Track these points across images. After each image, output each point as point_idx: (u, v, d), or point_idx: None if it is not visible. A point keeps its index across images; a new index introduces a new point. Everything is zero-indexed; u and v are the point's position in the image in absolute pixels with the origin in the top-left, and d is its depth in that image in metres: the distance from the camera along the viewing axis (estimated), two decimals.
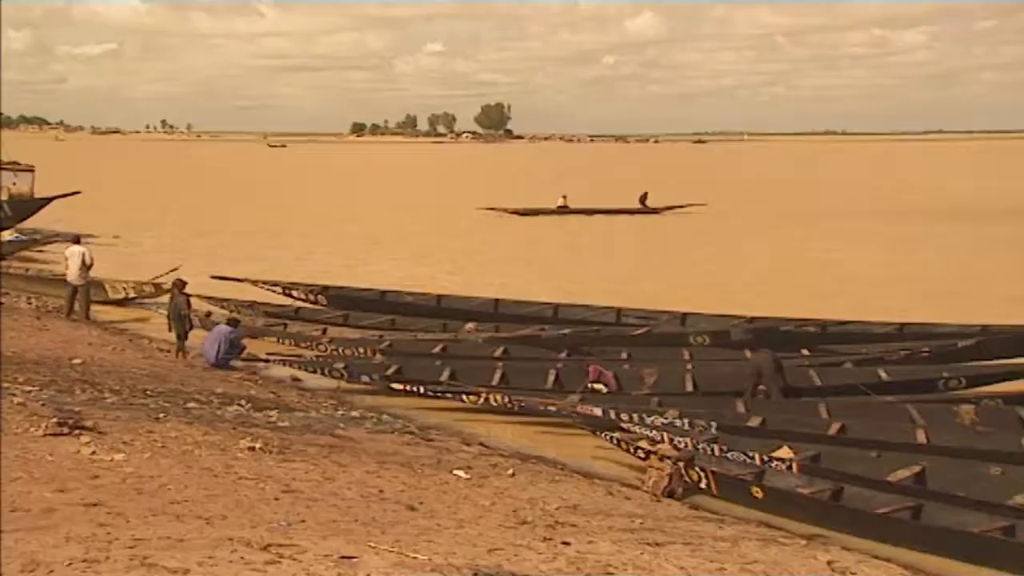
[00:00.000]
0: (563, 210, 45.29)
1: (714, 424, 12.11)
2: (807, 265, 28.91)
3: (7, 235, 30.94)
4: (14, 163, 34.78)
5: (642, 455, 11.31)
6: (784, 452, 11.10)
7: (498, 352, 16.14)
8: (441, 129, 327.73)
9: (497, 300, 20.27)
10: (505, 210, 44.40)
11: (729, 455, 11.18)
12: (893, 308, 19.07)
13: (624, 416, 12.37)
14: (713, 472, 10.71)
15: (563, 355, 16.06)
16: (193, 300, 20.31)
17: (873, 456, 11.04)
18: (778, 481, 10.61)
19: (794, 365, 14.49)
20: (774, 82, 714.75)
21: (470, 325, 18.17)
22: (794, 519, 9.94)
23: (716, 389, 14.16)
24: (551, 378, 14.91)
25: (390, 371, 15.01)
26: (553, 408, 13.20)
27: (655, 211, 45.77)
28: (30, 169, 34.88)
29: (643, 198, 46.68)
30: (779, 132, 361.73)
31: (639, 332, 17.12)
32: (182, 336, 16.40)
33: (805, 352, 15.61)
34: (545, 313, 19.46)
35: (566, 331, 17.24)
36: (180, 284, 16.94)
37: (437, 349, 16.36)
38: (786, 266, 28.80)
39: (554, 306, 19.75)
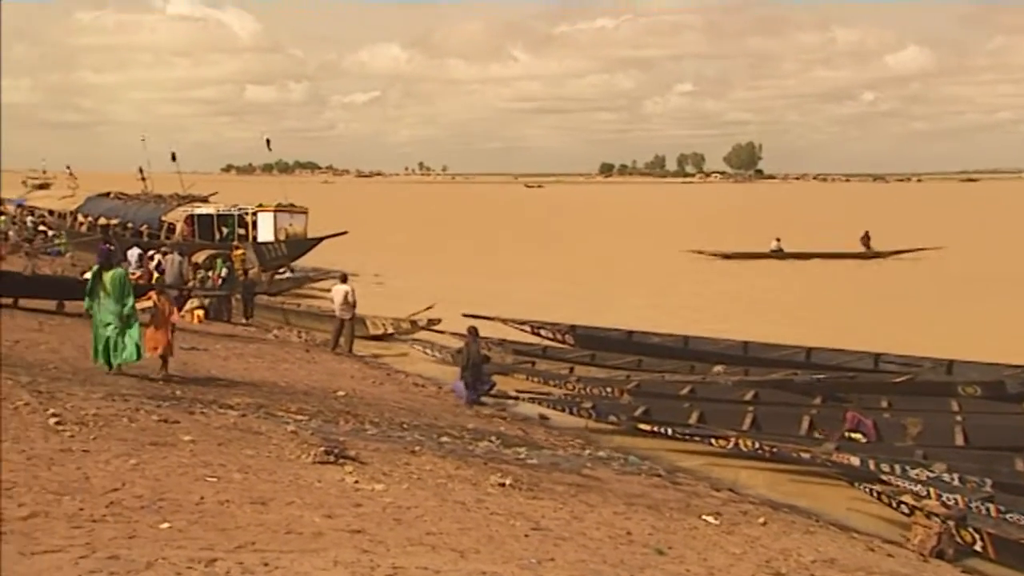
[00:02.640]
0: (777, 253, 43.62)
1: (989, 481, 11.16)
2: None
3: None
4: (290, 205, 37.55)
5: (906, 510, 10.58)
6: None
7: (748, 396, 15.69)
8: (689, 169, 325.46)
9: (746, 343, 19.73)
10: (713, 253, 43.31)
11: (1008, 516, 10.25)
12: None
13: (885, 468, 11.64)
14: (990, 534, 9.85)
15: (817, 401, 15.38)
16: (444, 337, 21.23)
17: None
18: None
19: None
20: None
21: (718, 367, 17.77)
22: None
23: (990, 444, 13.05)
24: (804, 424, 14.31)
25: (638, 412, 14.91)
26: (807, 456, 12.63)
27: (879, 255, 43.24)
28: (304, 211, 37.53)
29: (865, 238, 44.30)
30: None
31: (901, 379, 16.11)
32: (473, 384, 16.08)
33: None
34: (797, 357, 18.74)
35: (820, 376, 16.52)
36: (474, 332, 16.85)
37: (685, 391, 16.10)
38: None
39: (806, 350, 18.99)
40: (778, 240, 44.39)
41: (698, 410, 14.85)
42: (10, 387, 9.92)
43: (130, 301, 12.60)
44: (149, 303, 13.37)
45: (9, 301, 18.18)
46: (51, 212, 46.18)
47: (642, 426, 14.33)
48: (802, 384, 16.19)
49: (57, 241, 38.34)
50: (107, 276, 12.68)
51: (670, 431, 13.96)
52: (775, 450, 12.94)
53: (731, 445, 13.31)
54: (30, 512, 5.83)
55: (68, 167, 62.93)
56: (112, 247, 27.31)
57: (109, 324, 12.48)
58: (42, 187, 71.41)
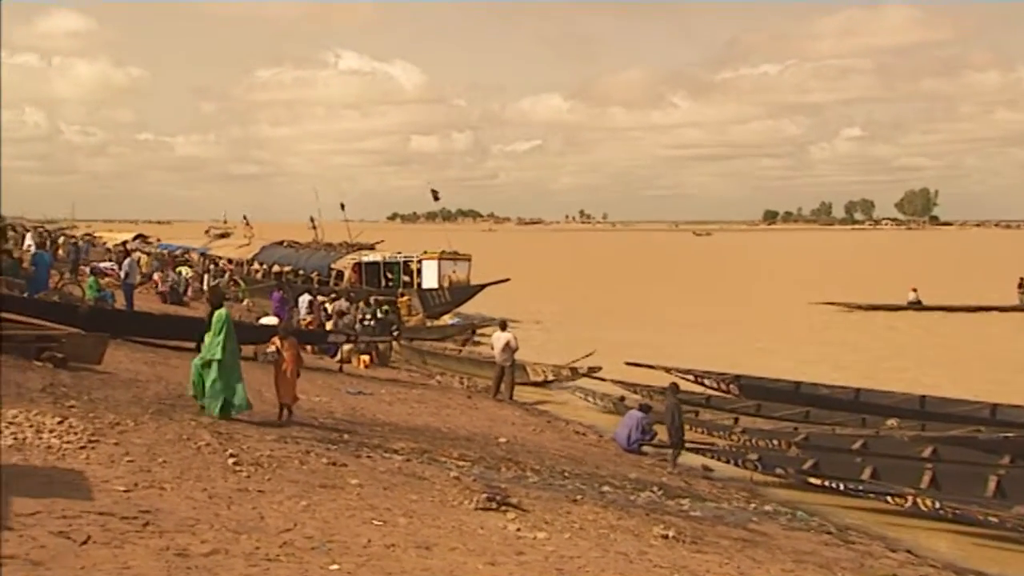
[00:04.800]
0: (915, 305, 41.35)
1: None
2: None
3: (447, 319, 34.20)
4: (454, 253, 38.40)
5: None
6: None
7: (926, 452, 14.88)
8: (858, 216, 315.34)
9: (923, 396, 18.81)
10: (845, 304, 41.49)
11: None
12: None
13: None
14: None
15: (1005, 460, 14.40)
16: (607, 385, 21.11)
17: None
18: None
19: None
20: None
21: (892, 421, 16.99)
22: None
23: None
24: (991, 485, 13.40)
25: (806, 465, 14.39)
26: (994, 519, 11.84)
27: None
28: (467, 258, 38.29)
29: (1022, 285, 41.50)
30: None
31: None
32: (677, 443, 15.36)
33: None
34: (980, 413, 17.70)
35: (1009, 434, 15.48)
36: (675, 388, 16.50)
37: (857, 445, 15.44)
38: None
39: (991, 406, 17.92)
40: (915, 291, 42.26)
41: (871, 465, 14.19)
42: (193, 427, 10.43)
43: (220, 341, 11.75)
44: (272, 348, 12.96)
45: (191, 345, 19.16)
46: (230, 260, 48.74)
47: (811, 480, 13.81)
48: (988, 442, 15.22)
49: (235, 288, 40.34)
50: (213, 317, 12.02)
51: (841, 486, 13.39)
52: (958, 512, 12.21)
53: (908, 504, 12.64)
54: (212, 549, 6.07)
55: (244, 217, 66.43)
56: (285, 294, 28.70)
57: (204, 362, 11.76)
58: (223, 236, 75.56)
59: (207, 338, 11.88)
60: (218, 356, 11.66)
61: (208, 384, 11.67)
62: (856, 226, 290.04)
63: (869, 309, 41.32)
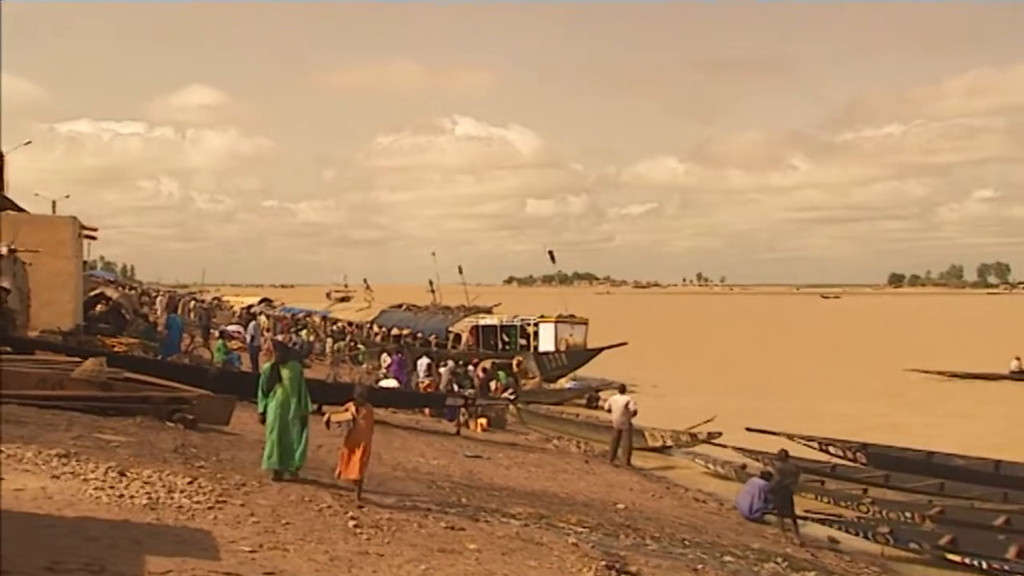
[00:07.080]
0: (1018, 375, 38.89)
1: None
2: None
3: (564, 382, 34.11)
4: (571, 316, 38.43)
5: None
6: None
7: None
8: (992, 279, 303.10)
9: None
10: (940, 372, 39.35)
11: None
12: None
13: None
14: None
15: None
16: (727, 452, 20.61)
17: None
18: None
19: None
20: None
21: None
22: None
23: None
24: None
25: (943, 541, 13.67)
26: None
27: None
28: (584, 322, 38.25)
29: None
30: None
31: None
32: (790, 516, 14.67)
33: None
34: None
35: None
36: (783, 454, 16.23)
37: (999, 521, 14.59)
38: None
39: None
40: (1019, 359, 39.94)
41: (1016, 544, 13.35)
42: (315, 490, 10.59)
43: (307, 400, 11.41)
44: (347, 416, 10.87)
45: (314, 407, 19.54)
46: (350, 323, 49.86)
47: (950, 556, 13.10)
48: None
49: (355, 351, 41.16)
50: (285, 372, 11.35)
51: (984, 564, 12.68)
52: None
53: None
54: None
55: (364, 280, 68.10)
56: (404, 357, 29.12)
57: (286, 424, 11.11)
58: (344, 300, 77.59)
59: (282, 393, 11.22)
60: (305, 411, 11.27)
61: (305, 438, 11.21)
62: (991, 289, 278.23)
63: (967, 378, 39.35)
